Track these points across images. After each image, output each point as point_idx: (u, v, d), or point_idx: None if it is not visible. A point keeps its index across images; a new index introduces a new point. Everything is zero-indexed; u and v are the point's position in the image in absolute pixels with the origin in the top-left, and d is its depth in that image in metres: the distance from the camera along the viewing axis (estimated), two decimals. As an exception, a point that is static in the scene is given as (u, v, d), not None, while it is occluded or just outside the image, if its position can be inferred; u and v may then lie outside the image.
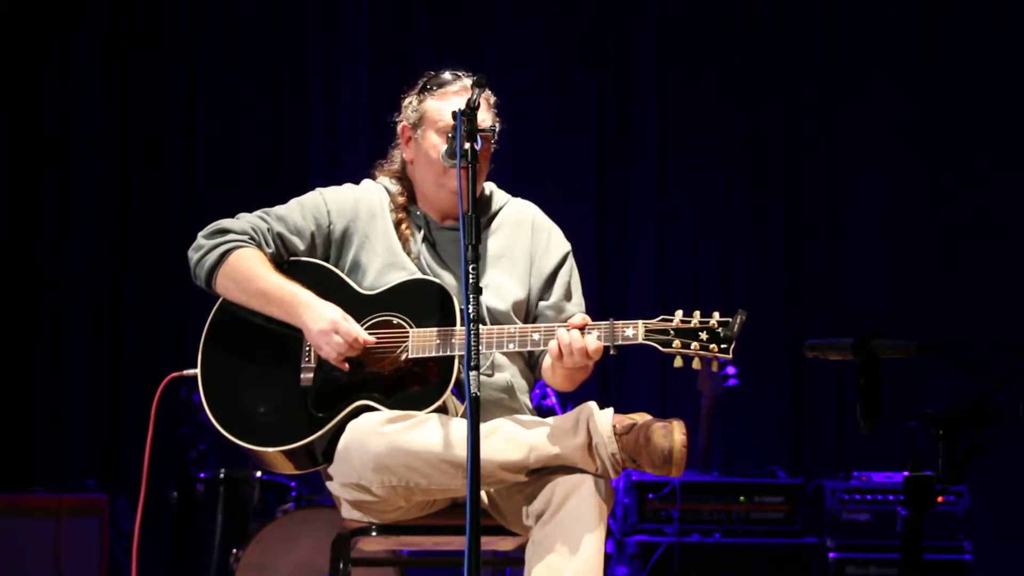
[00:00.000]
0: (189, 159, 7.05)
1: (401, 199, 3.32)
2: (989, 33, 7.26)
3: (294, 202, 3.31)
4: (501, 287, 3.26)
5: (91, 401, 6.83)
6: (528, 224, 3.36)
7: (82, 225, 6.93)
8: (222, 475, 5.40)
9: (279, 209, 3.29)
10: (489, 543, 3.27)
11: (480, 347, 2.80)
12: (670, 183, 7.34)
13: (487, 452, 2.88)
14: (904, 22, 7.33)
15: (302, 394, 3.13)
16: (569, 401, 5.25)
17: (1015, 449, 5.66)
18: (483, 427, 2.89)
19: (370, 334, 3.12)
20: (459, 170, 2.95)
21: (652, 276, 7.25)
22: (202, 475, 5.46)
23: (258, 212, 3.29)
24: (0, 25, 6.90)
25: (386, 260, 3.24)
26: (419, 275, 3.22)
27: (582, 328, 2.99)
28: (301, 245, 3.26)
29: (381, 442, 2.99)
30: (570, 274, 3.36)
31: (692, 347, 2.98)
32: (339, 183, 3.38)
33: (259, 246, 3.22)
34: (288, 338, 3.17)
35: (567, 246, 3.39)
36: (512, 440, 3.01)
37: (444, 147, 3.16)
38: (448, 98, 3.21)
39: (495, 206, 3.37)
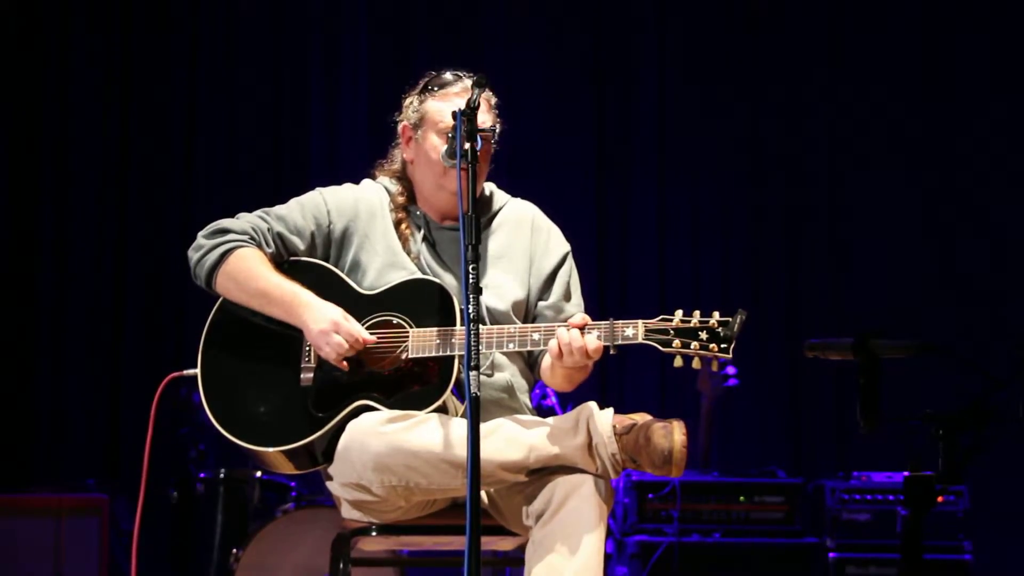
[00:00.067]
0: (189, 159, 7.06)
1: (401, 199, 3.32)
2: (989, 33, 7.26)
3: (294, 202, 3.31)
4: (501, 287, 3.26)
5: (91, 401, 6.83)
6: (528, 224, 3.36)
7: (82, 225, 6.93)
8: (222, 475, 5.40)
9: (279, 209, 3.29)
10: (489, 543, 3.27)
11: (480, 347, 2.80)
12: (670, 183, 7.34)
13: (487, 452, 2.88)
14: (904, 22, 7.33)
15: (302, 394, 3.13)
16: (569, 401, 5.25)
17: (1015, 449, 5.67)
18: (483, 427, 2.89)
19: (370, 334, 3.12)
20: (459, 170, 2.95)
21: (652, 276, 7.26)
22: (202, 475, 5.46)
23: (258, 212, 3.29)
24: (0, 25, 6.90)
25: (386, 260, 3.24)
26: (419, 275, 3.22)
27: (582, 328, 2.99)
28: (301, 245, 3.26)
29: (381, 442, 2.99)
30: (569, 274, 3.36)
31: (692, 347, 2.98)
32: (339, 183, 3.38)
33: (259, 246, 3.22)
34: (288, 338, 3.17)
35: (566, 246, 3.39)
36: (512, 440, 3.01)
37: (444, 148, 3.16)
38: (449, 99, 3.20)
39: (495, 206, 3.37)
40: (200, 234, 3.25)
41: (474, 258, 2.83)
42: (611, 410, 3.04)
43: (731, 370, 6.07)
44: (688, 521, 5.84)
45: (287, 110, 7.17)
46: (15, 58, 6.92)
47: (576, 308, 3.31)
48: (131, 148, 7.02)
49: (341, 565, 3.18)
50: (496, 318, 3.20)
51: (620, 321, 3.00)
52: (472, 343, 2.78)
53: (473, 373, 2.77)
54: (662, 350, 2.99)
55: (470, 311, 2.80)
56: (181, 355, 6.54)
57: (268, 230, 3.24)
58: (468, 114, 2.96)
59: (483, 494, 3.09)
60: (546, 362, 3.21)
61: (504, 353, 3.19)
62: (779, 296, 7.26)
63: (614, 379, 7.07)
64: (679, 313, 3.00)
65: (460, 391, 3.02)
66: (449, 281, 3.21)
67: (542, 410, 5.48)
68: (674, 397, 6.90)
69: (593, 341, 2.98)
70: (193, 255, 3.24)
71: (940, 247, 7.17)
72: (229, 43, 7.15)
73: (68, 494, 5.67)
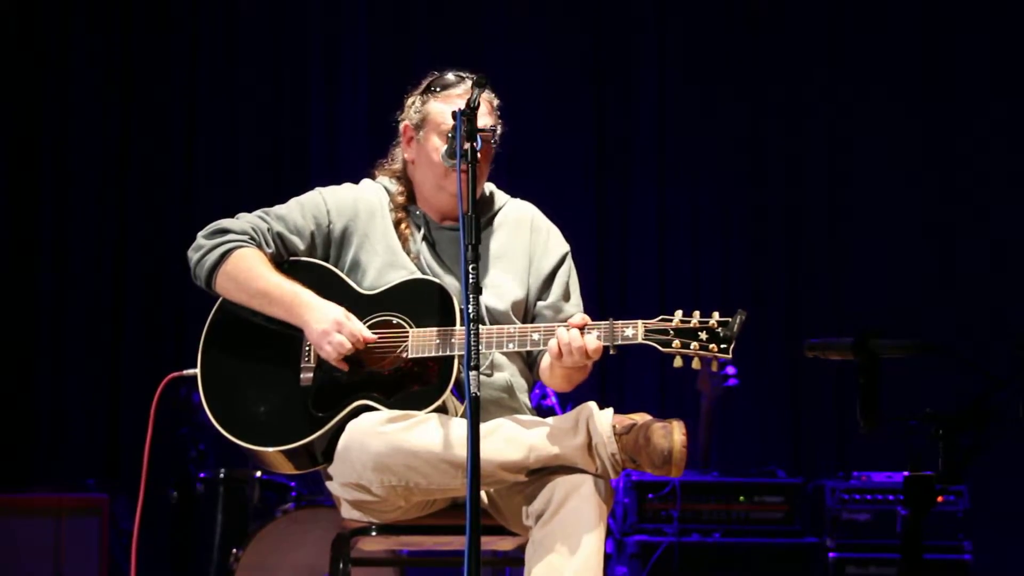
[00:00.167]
0: (189, 159, 7.06)
1: (401, 199, 3.32)
2: (989, 33, 7.26)
3: (294, 202, 3.31)
4: (500, 287, 3.26)
5: (91, 401, 6.83)
6: (527, 224, 3.36)
7: (82, 225, 6.93)
8: (222, 475, 5.40)
9: (279, 209, 3.29)
10: (489, 543, 3.27)
11: (479, 347, 2.80)
12: (670, 183, 7.34)
13: (487, 452, 2.88)
14: (904, 22, 7.33)
15: (302, 394, 3.13)
16: (569, 401, 5.25)
17: (1015, 449, 5.67)
18: (483, 427, 2.89)
19: (371, 333, 3.12)
20: (459, 170, 2.95)
21: (652, 276, 7.26)
22: (202, 475, 5.46)
23: (258, 212, 3.29)
24: (0, 25, 6.90)
25: (386, 260, 3.24)
26: (419, 275, 3.22)
27: (582, 327, 2.99)
28: (301, 245, 3.26)
29: (381, 442, 2.99)
30: (568, 275, 3.36)
31: (692, 347, 2.97)
32: (339, 183, 3.38)
33: (259, 246, 3.22)
34: (288, 338, 3.17)
35: (566, 247, 3.39)
36: (512, 440, 3.01)
37: (444, 148, 3.16)
38: (452, 100, 3.20)
39: (495, 206, 3.37)
40: (200, 234, 3.25)
41: (474, 258, 2.83)
42: (611, 410, 3.04)
43: (731, 370, 6.07)
44: (688, 521, 5.84)
45: (287, 110, 7.18)
46: (15, 58, 6.92)
47: (575, 308, 3.31)
48: (131, 148, 7.02)
49: (341, 565, 3.18)
50: (495, 318, 3.20)
51: (620, 321, 3.00)
52: (472, 343, 2.78)
53: (473, 373, 2.77)
54: (662, 350, 2.99)
55: (470, 311, 2.80)
56: (181, 355, 6.54)
57: (268, 230, 3.24)
58: (468, 114, 2.96)
59: (483, 494, 3.09)
60: (545, 362, 3.21)
61: (504, 353, 3.19)
62: (779, 296, 7.26)
63: (614, 379, 7.07)
64: (679, 313, 3.00)
65: (460, 391, 3.02)
66: (449, 281, 3.21)
67: (542, 410, 5.48)
68: (674, 397, 6.91)
69: (593, 341, 2.98)
70: (193, 255, 3.23)
71: (940, 247, 7.17)
72: (229, 43, 7.15)
73: (68, 494, 5.67)
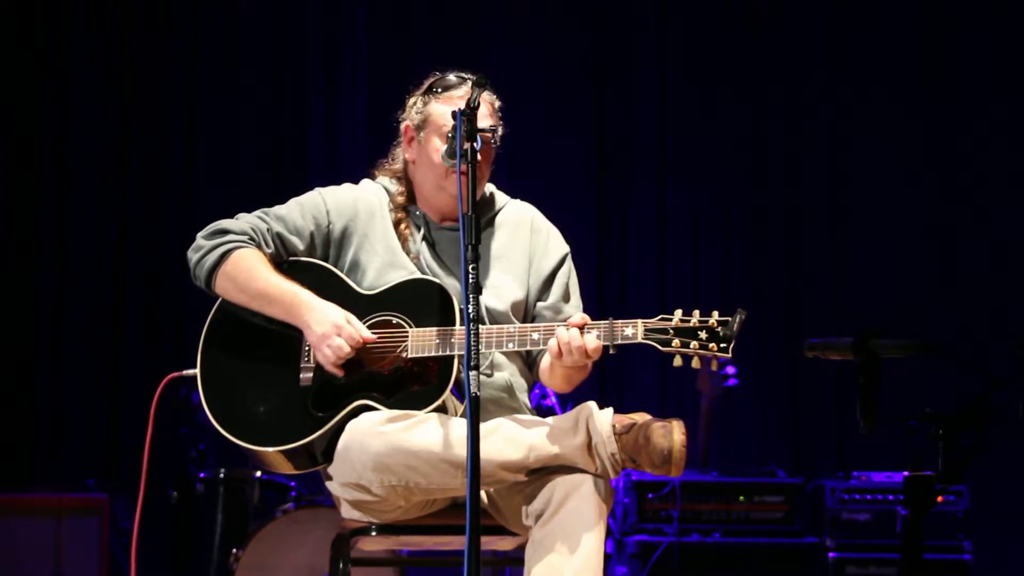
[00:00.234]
0: (189, 159, 7.06)
1: (400, 199, 3.32)
2: (989, 33, 7.26)
3: (293, 202, 3.31)
4: (500, 287, 3.26)
5: (91, 401, 6.83)
6: (527, 225, 3.36)
7: (82, 225, 6.93)
8: (222, 475, 5.40)
9: (278, 209, 3.29)
10: (489, 543, 3.27)
11: (479, 346, 2.80)
12: (670, 183, 7.34)
13: (487, 452, 2.88)
14: (904, 22, 7.33)
15: (302, 394, 3.13)
16: (569, 401, 5.25)
17: (1015, 449, 5.67)
18: (483, 427, 2.89)
19: (371, 333, 3.12)
20: (459, 171, 2.96)
21: (652, 276, 7.26)
22: (202, 475, 5.46)
23: (257, 212, 3.29)
24: (0, 25, 6.90)
25: (385, 260, 3.24)
26: (418, 275, 3.22)
27: (581, 327, 2.99)
28: (300, 245, 3.26)
29: (381, 441, 2.99)
30: (568, 275, 3.36)
31: (691, 346, 2.98)
32: (339, 183, 3.38)
33: (259, 246, 3.22)
34: (288, 338, 3.17)
35: (566, 248, 3.39)
36: (512, 440, 3.01)
37: (444, 148, 3.16)
38: (453, 102, 3.19)
39: (495, 207, 3.37)
40: (199, 235, 3.25)
41: (474, 258, 2.83)
42: (610, 410, 3.04)
43: (731, 370, 6.07)
44: (688, 521, 5.84)
45: (287, 110, 7.17)
46: (15, 58, 6.92)
47: (575, 309, 3.31)
48: (131, 148, 7.02)
49: (341, 565, 3.18)
50: (495, 318, 3.20)
51: (619, 321, 3.00)
52: (472, 343, 2.78)
53: (473, 373, 2.77)
54: (661, 349, 2.99)
55: (470, 311, 2.80)
56: (181, 355, 6.54)
57: (267, 230, 3.24)
58: (468, 114, 2.96)
59: (483, 494, 3.09)
60: (545, 362, 3.21)
61: (503, 353, 3.19)
62: (779, 296, 7.26)
63: (614, 379, 7.07)
64: (678, 313, 3.00)
65: (460, 391, 3.02)
66: (449, 281, 3.21)
67: (542, 410, 5.48)
68: (674, 397, 6.91)
69: (592, 340, 2.98)
70: (192, 256, 3.23)
71: (940, 247, 7.17)
72: (229, 43, 7.15)
73: (68, 494, 5.67)
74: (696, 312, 3.00)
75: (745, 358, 6.54)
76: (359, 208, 3.29)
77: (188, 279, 3.26)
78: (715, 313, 2.99)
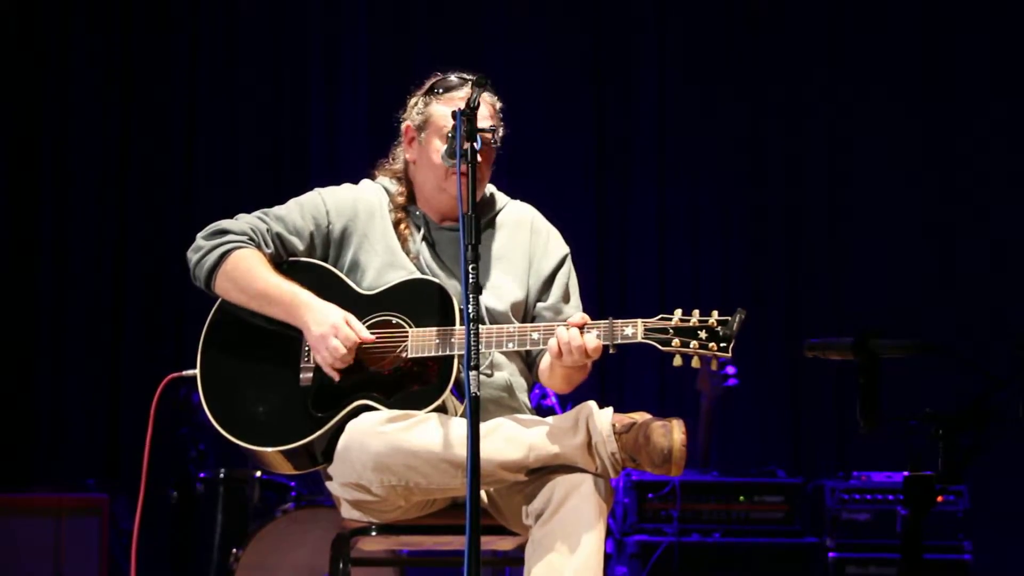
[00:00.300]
0: (189, 159, 7.06)
1: (400, 199, 3.32)
2: (989, 33, 7.26)
3: (293, 202, 3.31)
4: (500, 288, 3.26)
5: (91, 401, 6.83)
6: (527, 226, 3.36)
7: (82, 225, 6.93)
8: (222, 475, 5.40)
9: (278, 209, 3.29)
10: (489, 543, 3.27)
11: (479, 346, 2.80)
12: (670, 183, 7.34)
13: (487, 451, 2.88)
14: (904, 22, 7.33)
15: (301, 394, 3.13)
16: (568, 401, 5.25)
17: (1015, 449, 5.67)
18: (483, 426, 2.89)
19: (370, 333, 3.12)
20: (459, 171, 2.96)
21: (652, 276, 7.26)
22: (202, 475, 5.46)
23: (257, 213, 3.29)
24: (0, 25, 6.90)
25: (385, 260, 3.24)
26: (418, 275, 3.22)
27: (581, 327, 2.99)
28: (300, 245, 3.26)
29: (381, 441, 2.99)
30: (568, 276, 3.36)
31: (691, 346, 2.98)
32: (339, 183, 3.38)
33: (258, 246, 3.22)
34: (287, 338, 3.17)
35: (566, 249, 3.39)
36: (512, 439, 3.01)
37: (444, 148, 3.16)
38: (454, 103, 3.18)
39: (495, 208, 3.37)
40: (199, 235, 3.25)
41: (474, 258, 2.83)
42: (610, 409, 3.04)
43: (731, 370, 6.07)
44: (688, 521, 5.84)
45: (287, 110, 7.18)
46: (15, 58, 6.92)
47: (574, 310, 3.31)
48: (131, 148, 7.02)
49: (341, 565, 3.18)
50: (495, 318, 3.20)
51: (619, 320, 3.00)
52: (472, 343, 2.78)
53: (473, 373, 2.77)
54: (661, 349, 2.99)
55: (470, 311, 2.80)
56: (181, 355, 6.54)
57: (267, 231, 3.24)
58: (468, 114, 2.96)
59: (483, 494, 3.09)
60: (545, 363, 3.21)
61: (503, 352, 3.19)
62: (779, 296, 7.26)
63: (613, 379, 7.07)
64: (678, 312, 3.00)
65: (460, 391, 3.02)
66: (448, 281, 3.21)
67: (542, 410, 5.48)
68: (674, 397, 6.91)
69: (592, 340, 2.98)
70: (192, 256, 3.23)
71: (940, 247, 7.17)
72: (229, 43, 7.15)
73: (68, 494, 5.67)
74: (696, 312, 3.00)
75: (745, 358, 6.54)
76: (359, 208, 3.29)
77: (188, 279, 3.26)
78: (715, 313, 2.99)
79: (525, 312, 3.30)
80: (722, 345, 2.97)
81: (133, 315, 6.93)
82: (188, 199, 7.00)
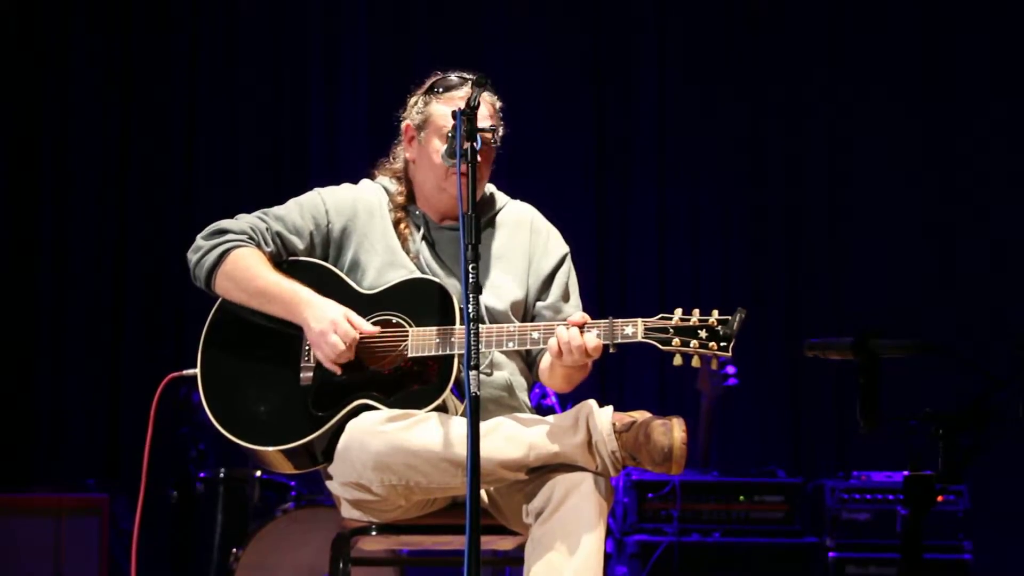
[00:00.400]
0: (189, 159, 7.06)
1: (400, 198, 3.32)
2: (989, 33, 7.26)
3: (292, 202, 3.31)
4: (500, 287, 3.26)
5: (91, 401, 6.83)
6: (527, 225, 3.36)
7: (82, 225, 6.93)
8: (222, 475, 5.40)
9: (278, 209, 3.29)
10: (489, 542, 3.27)
11: (479, 346, 2.80)
12: (670, 183, 7.34)
13: (487, 450, 2.88)
14: (904, 22, 7.33)
15: (302, 393, 3.13)
16: (568, 400, 5.25)
17: (1015, 449, 5.67)
18: (483, 425, 2.89)
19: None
20: (458, 170, 2.96)
21: (652, 276, 7.26)
22: (202, 475, 5.46)
23: (257, 212, 3.29)
24: (0, 25, 6.90)
25: (385, 259, 3.24)
26: (418, 274, 3.22)
27: (581, 326, 2.99)
28: (300, 245, 3.26)
29: (381, 441, 2.99)
30: (568, 276, 3.36)
31: (691, 345, 2.97)
32: (339, 183, 3.38)
33: (258, 246, 3.22)
34: (288, 337, 3.17)
35: (565, 248, 3.39)
36: (512, 438, 3.01)
37: (444, 147, 3.16)
38: (454, 103, 3.18)
39: (495, 207, 3.37)
40: (199, 236, 3.25)
41: (474, 258, 2.83)
42: (610, 408, 3.04)
43: (731, 369, 6.07)
44: (688, 521, 5.84)
45: (287, 110, 7.18)
46: (15, 58, 6.92)
47: (574, 309, 3.31)
48: (131, 148, 7.02)
49: (341, 565, 3.18)
50: (495, 318, 3.20)
51: (619, 319, 3.00)
52: (472, 342, 2.78)
53: (473, 372, 2.77)
54: (661, 348, 2.99)
55: (470, 310, 2.80)
56: (181, 355, 6.54)
57: (267, 230, 3.24)
58: (468, 114, 2.96)
59: (483, 493, 3.09)
60: (545, 362, 3.21)
61: (503, 352, 3.19)
62: (779, 296, 7.26)
63: (614, 378, 7.07)
64: (678, 312, 3.00)
65: (460, 390, 3.02)
66: (448, 281, 3.21)
67: (542, 409, 5.48)
68: (674, 396, 6.91)
69: (592, 339, 2.98)
70: (192, 256, 3.24)
71: (940, 247, 7.17)
72: (229, 43, 7.15)
73: (68, 494, 5.67)
74: (696, 311, 3.00)
75: (745, 358, 6.54)
76: (358, 208, 3.30)
77: (188, 279, 3.26)
78: (715, 312, 2.99)
79: (525, 311, 3.30)
80: (722, 344, 2.97)
81: (133, 315, 6.93)
82: (188, 199, 7.00)
